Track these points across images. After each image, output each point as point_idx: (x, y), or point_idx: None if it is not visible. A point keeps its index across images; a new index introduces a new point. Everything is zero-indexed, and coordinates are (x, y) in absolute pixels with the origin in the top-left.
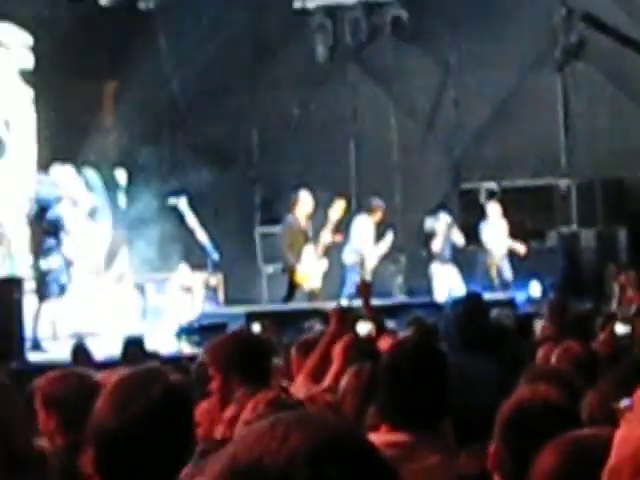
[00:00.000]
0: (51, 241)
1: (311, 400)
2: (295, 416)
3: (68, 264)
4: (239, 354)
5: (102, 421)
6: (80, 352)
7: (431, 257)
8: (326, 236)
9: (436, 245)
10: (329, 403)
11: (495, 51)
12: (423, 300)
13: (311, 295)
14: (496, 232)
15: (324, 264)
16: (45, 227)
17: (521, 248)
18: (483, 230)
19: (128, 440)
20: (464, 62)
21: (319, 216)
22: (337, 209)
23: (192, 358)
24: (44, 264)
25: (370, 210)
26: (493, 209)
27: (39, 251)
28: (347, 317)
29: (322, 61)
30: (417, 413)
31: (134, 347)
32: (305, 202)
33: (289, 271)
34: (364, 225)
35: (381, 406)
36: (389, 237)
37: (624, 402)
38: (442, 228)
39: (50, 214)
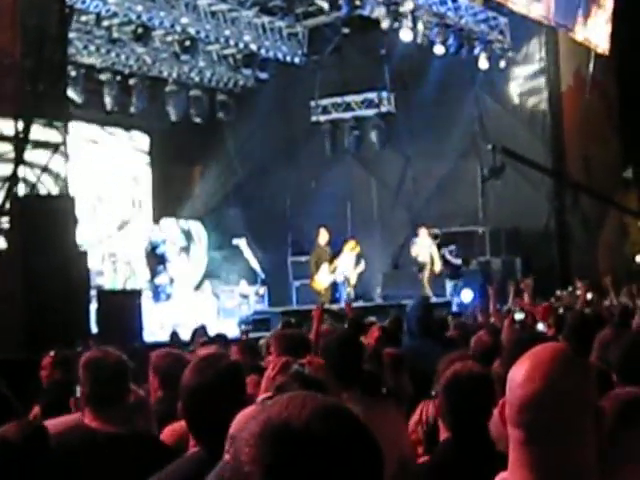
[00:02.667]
0: (160, 267)
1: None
2: (306, 392)
3: (171, 281)
4: (287, 340)
5: (187, 382)
6: (174, 336)
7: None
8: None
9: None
10: None
11: (438, 148)
12: (393, 303)
13: (320, 298)
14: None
15: (332, 278)
16: (156, 258)
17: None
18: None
19: (202, 395)
20: (418, 155)
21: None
22: (353, 250)
23: (247, 340)
24: (156, 281)
25: (352, 248)
26: (423, 233)
27: (152, 273)
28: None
29: (329, 154)
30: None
31: (201, 331)
32: (322, 234)
33: (310, 278)
34: (349, 257)
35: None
36: (362, 264)
37: None
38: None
39: (158, 250)
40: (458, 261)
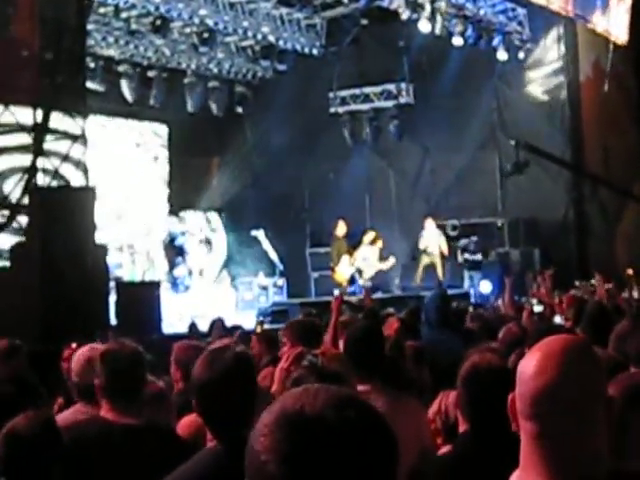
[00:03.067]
0: (178, 259)
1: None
2: (320, 384)
3: (190, 273)
4: (301, 329)
5: (196, 376)
6: (193, 327)
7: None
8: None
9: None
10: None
11: (456, 140)
12: (411, 294)
13: (340, 288)
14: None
15: (353, 269)
16: (174, 249)
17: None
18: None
19: (212, 389)
20: (437, 146)
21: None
22: (374, 243)
23: (266, 331)
24: (174, 273)
25: (372, 240)
26: (429, 225)
27: (170, 265)
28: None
29: (347, 146)
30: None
31: (219, 323)
32: (340, 226)
33: (331, 269)
34: (370, 250)
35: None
36: (392, 260)
37: None
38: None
39: (177, 242)
40: (477, 256)
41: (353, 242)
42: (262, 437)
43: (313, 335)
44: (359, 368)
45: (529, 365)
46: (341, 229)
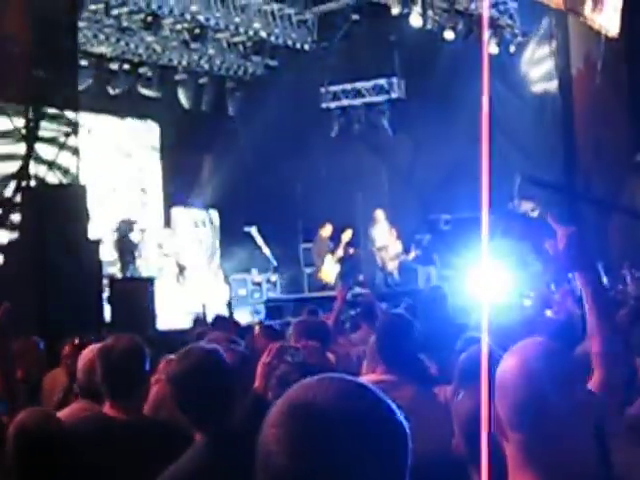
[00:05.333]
0: (129, 257)
1: None
2: (331, 374)
3: (182, 270)
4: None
5: (169, 374)
6: (197, 322)
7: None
8: (340, 251)
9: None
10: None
11: (448, 134)
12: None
13: (327, 286)
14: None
15: (338, 267)
16: (127, 246)
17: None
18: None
19: (182, 385)
20: (429, 141)
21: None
22: (347, 235)
23: (271, 325)
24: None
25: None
26: (379, 216)
27: (123, 263)
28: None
29: (339, 141)
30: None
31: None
32: (327, 228)
33: (316, 270)
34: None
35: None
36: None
37: None
38: None
39: (130, 239)
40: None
41: (336, 244)
42: (272, 428)
43: (320, 334)
44: (387, 358)
45: (510, 375)
46: (327, 231)
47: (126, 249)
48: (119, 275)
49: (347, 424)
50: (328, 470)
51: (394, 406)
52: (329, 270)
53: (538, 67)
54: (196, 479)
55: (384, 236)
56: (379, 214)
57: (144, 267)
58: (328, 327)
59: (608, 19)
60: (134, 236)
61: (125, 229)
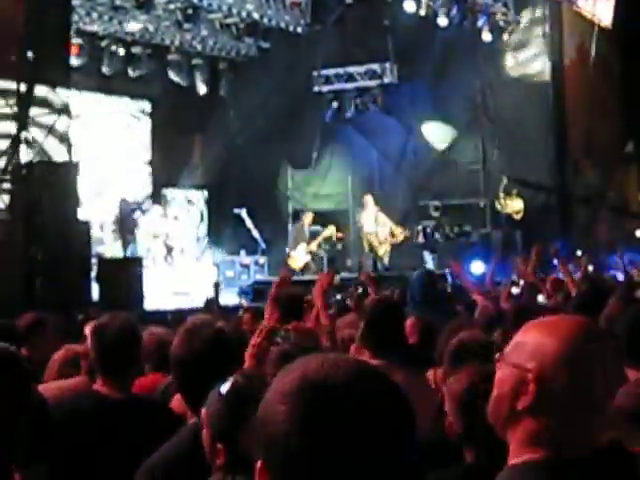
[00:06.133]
0: (129, 237)
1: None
2: (337, 354)
3: (169, 250)
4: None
5: (175, 353)
6: (210, 303)
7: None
8: (314, 245)
9: None
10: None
11: (440, 120)
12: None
13: (299, 271)
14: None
15: (308, 258)
16: (128, 226)
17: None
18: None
19: (191, 366)
20: (420, 128)
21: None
22: (328, 231)
23: (248, 308)
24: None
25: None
26: (368, 201)
27: (124, 242)
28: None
29: (331, 125)
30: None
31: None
32: (308, 216)
33: (287, 254)
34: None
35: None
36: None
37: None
38: None
39: (131, 218)
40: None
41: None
42: (282, 406)
43: (295, 307)
44: (377, 343)
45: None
46: (308, 218)
47: (126, 228)
48: (121, 253)
49: (361, 404)
50: (342, 451)
51: (402, 388)
52: (297, 258)
53: (531, 55)
54: (187, 460)
55: (372, 221)
56: (367, 199)
57: (132, 247)
58: (301, 299)
59: (601, 9)
60: (135, 215)
61: (127, 209)
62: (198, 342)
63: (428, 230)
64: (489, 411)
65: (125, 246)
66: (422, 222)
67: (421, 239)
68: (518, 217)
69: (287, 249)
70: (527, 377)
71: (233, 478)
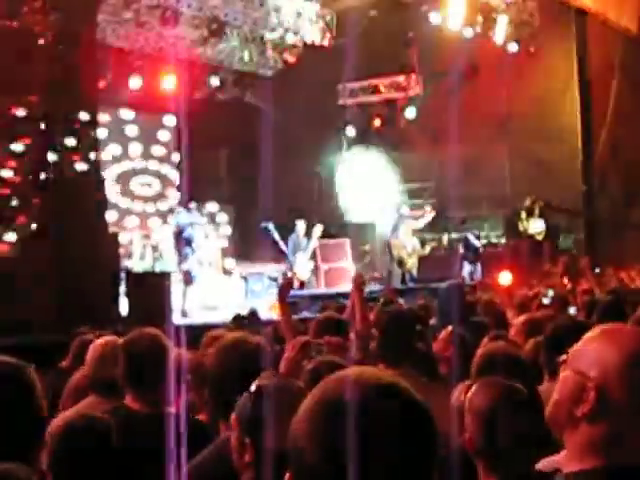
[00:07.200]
0: (187, 250)
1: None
2: (359, 369)
3: (200, 264)
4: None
5: (212, 368)
6: (253, 315)
7: None
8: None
9: None
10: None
11: (466, 131)
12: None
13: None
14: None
15: (311, 264)
16: (183, 241)
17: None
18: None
19: (228, 380)
20: (446, 138)
21: None
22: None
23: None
24: (183, 265)
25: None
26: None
27: (180, 256)
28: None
29: (356, 137)
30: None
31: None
32: (300, 226)
33: (291, 266)
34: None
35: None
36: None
37: (562, 357)
38: None
39: (185, 233)
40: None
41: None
42: (302, 423)
43: (335, 329)
44: (389, 353)
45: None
46: (300, 227)
47: (182, 242)
48: (147, 269)
49: (378, 422)
50: (359, 469)
51: (426, 405)
52: (300, 267)
53: (557, 66)
54: (218, 473)
55: (408, 234)
56: (405, 211)
57: (160, 262)
58: (346, 323)
59: (627, 19)
60: (164, 231)
61: (184, 223)
62: (236, 358)
63: (471, 240)
64: (548, 413)
65: (181, 261)
66: (454, 232)
67: (461, 249)
68: (540, 238)
69: (290, 260)
70: (588, 385)
71: (262, 476)
